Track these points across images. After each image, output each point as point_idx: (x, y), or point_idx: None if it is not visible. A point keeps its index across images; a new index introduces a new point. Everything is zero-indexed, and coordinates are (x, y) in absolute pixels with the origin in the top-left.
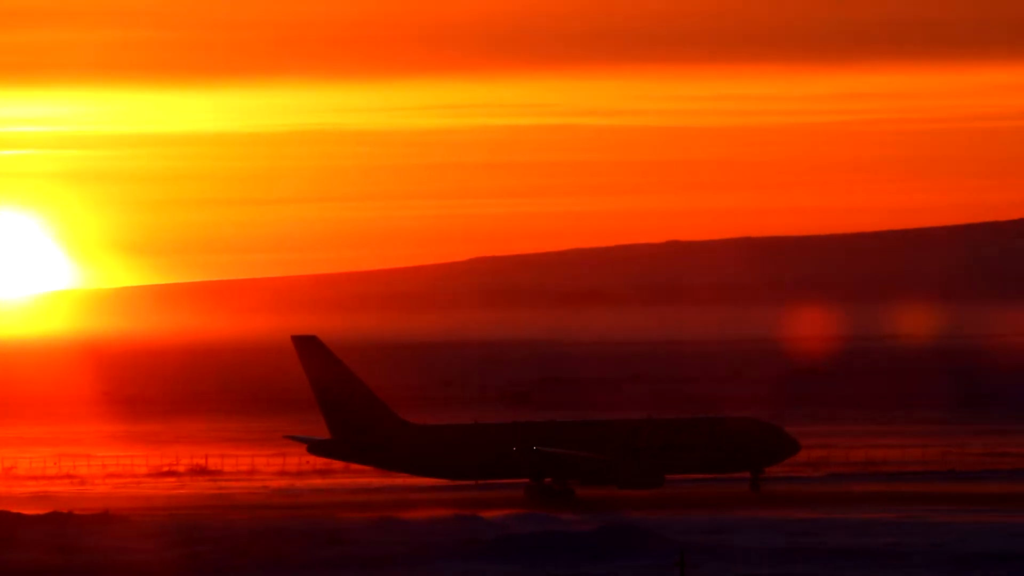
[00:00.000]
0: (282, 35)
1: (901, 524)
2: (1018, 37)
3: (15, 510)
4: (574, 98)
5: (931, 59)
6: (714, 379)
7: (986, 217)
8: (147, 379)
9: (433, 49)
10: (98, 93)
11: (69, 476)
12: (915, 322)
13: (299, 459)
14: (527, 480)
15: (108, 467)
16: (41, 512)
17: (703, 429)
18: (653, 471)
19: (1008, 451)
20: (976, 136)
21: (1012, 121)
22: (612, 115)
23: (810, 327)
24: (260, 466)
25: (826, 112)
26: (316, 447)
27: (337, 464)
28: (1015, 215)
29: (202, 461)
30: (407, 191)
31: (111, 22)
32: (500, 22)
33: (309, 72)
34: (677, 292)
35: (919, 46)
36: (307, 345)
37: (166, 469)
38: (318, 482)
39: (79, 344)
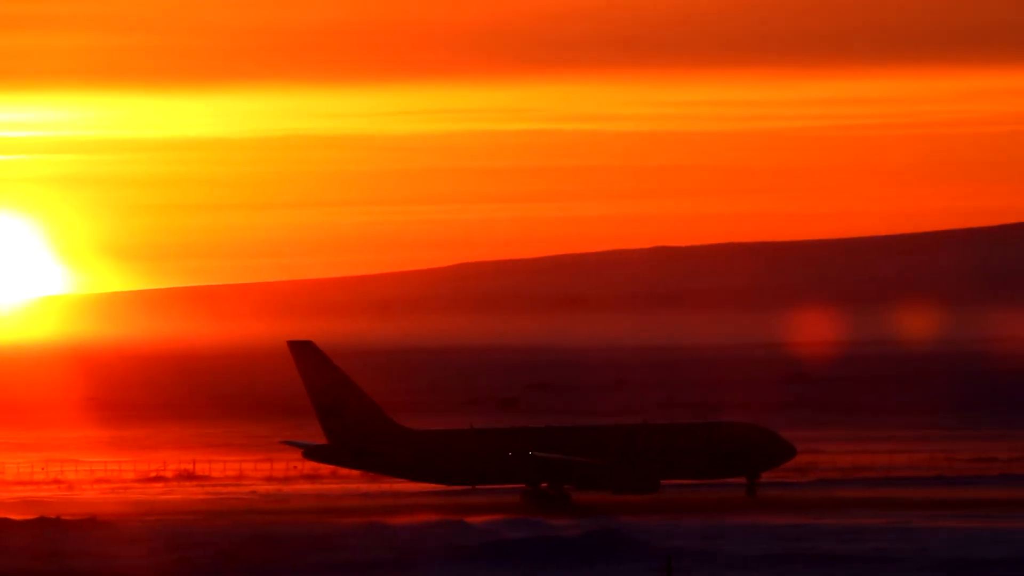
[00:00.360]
0: (269, 41)
1: (889, 529)
2: (1014, 42)
3: (2, 515)
4: (559, 103)
5: (922, 64)
6: (703, 384)
7: (978, 223)
8: (137, 384)
9: (417, 54)
10: (89, 98)
11: (56, 481)
12: (906, 326)
13: (287, 464)
14: (524, 485)
15: (96, 472)
16: (28, 517)
17: (699, 434)
18: (649, 476)
19: (996, 456)
20: (967, 141)
21: (1003, 127)
22: (598, 120)
23: (799, 332)
24: (248, 471)
25: (814, 117)
26: (312, 452)
27: (325, 469)
28: (1008, 220)
29: (190, 466)
30: (391, 196)
31: (102, 27)
32: (484, 27)
33: (294, 77)
34: (665, 298)
35: (910, 51)
36: (303, 350)
37: (154, 474)
38: (306, 487)
39: (70, 349)
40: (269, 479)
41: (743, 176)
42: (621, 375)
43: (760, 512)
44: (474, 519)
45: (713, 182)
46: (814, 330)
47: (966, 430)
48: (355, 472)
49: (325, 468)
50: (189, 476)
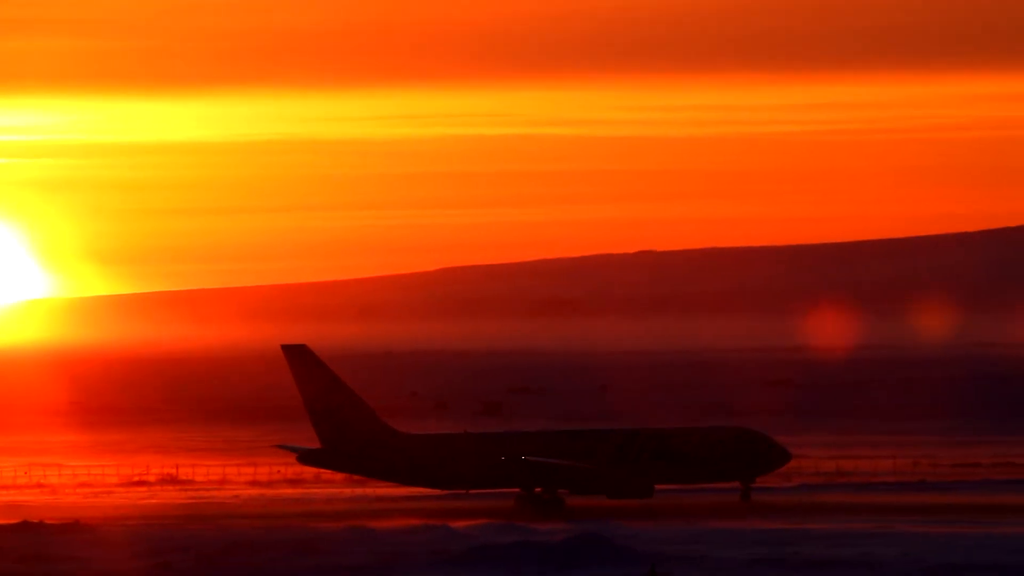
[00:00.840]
0: (253, 46)
1: (874, 534)
2: (1005, 46)
3: None
4: (543, 107)
5: (907, 69)
6: (692, 388)
7: (958, 227)
8: (120, 388)
9: (401, 59)
10: (73, 102)
11: (40, 486)
12: (898, 330)
13: (270, 468)
14: (518, 490)
15: (79, 477)
16: (11, 522)
17: (693, 439)
18: (643, 481)
19: (980, 462)
20: (952, 146)
21: (1002, 131)
22: (583, 124)
23: (786, 336)
24: (231, 475)
25: (800, 122)
26: (306, 457)
27: (308, 473)
28: (999, 224)
29: (173, 470)
30: (376, 200)
31: (87, 31)
32: (468, 33)
33: (278, 82)
34: (651, 302)
35: (898, 55)
36: (297, 354)
37: (137, 479)
38: (289, 491)
39: (53, 353)
40: (253, 483)
41: (729, 181)
42: (606, 380)
43: (746, 517)
44: (458, 524)
45: (699, 186)
46: (800, 334)
47: (953, 435)
48: (339, 476)
49: (309, 472)
50: (172, 480)
